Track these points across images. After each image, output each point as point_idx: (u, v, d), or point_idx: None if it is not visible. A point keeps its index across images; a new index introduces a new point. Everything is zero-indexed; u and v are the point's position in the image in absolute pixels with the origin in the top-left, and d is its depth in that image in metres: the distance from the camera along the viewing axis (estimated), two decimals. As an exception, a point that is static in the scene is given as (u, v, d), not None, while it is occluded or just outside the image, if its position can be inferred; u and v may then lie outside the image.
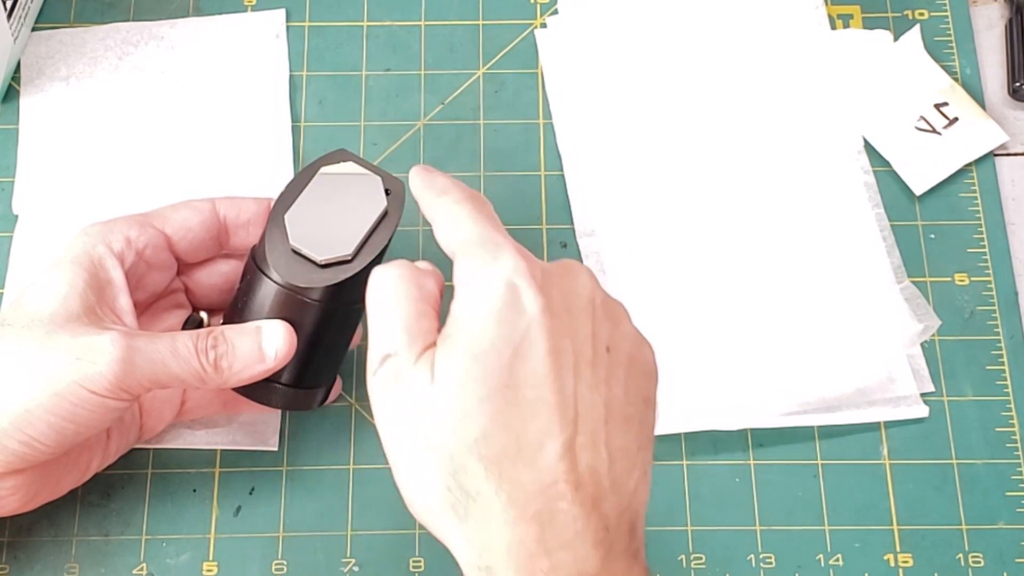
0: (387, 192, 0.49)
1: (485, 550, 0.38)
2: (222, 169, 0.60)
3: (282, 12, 0.64)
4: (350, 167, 0.49)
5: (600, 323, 0.41)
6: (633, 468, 0.39)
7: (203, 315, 0.52)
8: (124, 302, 0.47)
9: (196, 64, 0.62)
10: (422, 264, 0.44)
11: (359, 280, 0.48)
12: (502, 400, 0.38)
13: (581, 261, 0.58)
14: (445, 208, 0.43)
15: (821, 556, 0.53)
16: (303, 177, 0.49)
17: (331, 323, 0.49)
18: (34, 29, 0.63)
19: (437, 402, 0.39)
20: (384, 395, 0.40)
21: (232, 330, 0.47)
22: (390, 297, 0.41)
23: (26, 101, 0.61)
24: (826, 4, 0.64)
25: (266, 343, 0.47)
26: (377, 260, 0.48)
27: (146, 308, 0.51)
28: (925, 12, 0.64)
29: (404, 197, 0.49)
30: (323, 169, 0.49)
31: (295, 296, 0.47)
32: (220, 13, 0.64)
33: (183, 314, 0.53)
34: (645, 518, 0.40)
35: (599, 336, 0.40)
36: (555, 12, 0.64)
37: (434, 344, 0.40)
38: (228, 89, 0.62)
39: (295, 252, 0.48)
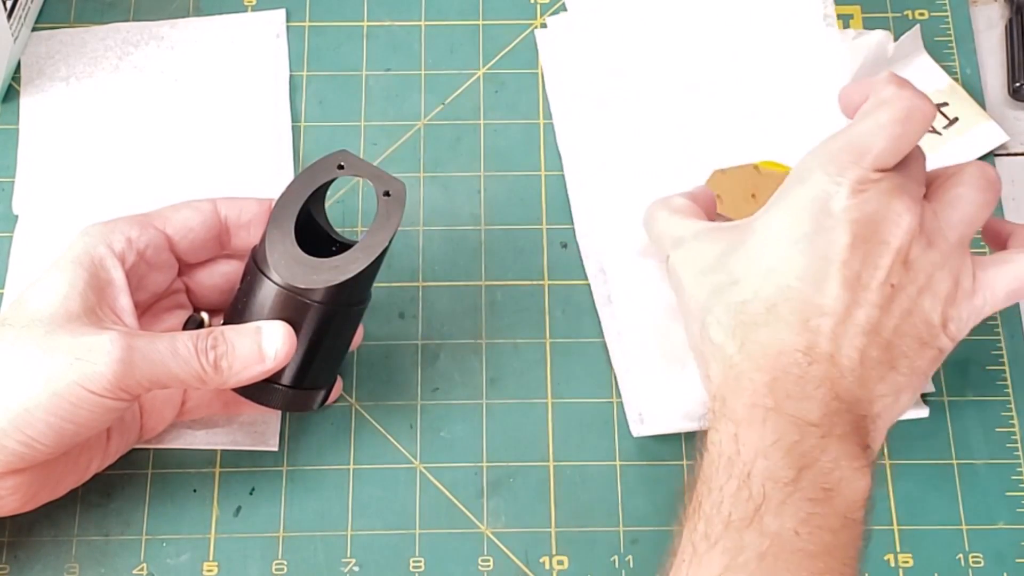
0: (387, 194, 0.49)
1: (722, 384, 0.45)
2: (222, 169, 0.60)
3: (282, 12, 0.64)
4: (352, 166, 0.50)
5: (896, 268, 0.44)
6: (882, 382, 0.44)
7: (204, 315, 0.52)
8: (124, 302, 0.48)
9: (196, 64, 0.62)
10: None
11: (359, 281, 0.48)
12: (790, 269, 0.44)
13: (581, 261, 0.58)
14: (876, 113, 0.45)
15: (821, 556, 0.53)
16: (305, 179, 0.49)
17: (331, 324, 0.49)
18: (34, 29, 0.63)
19: (734, 255, 0.47)
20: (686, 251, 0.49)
21: (232, 330, 0.47)
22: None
23: (26, 101, 0.61)
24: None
25: (266, 343, 0.47)
26: (377, 262, 0.48)
27: (147, 308, 0.51)
28: (925, 12, 0.64)
29: (404, 199, 0.49)
30: (323, 171, 0.49)
31: (295, 297, 0.47)
32: (220, 13, 0.64)
33: (184, 314, 0.53)
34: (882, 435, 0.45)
35: (892, 272, 0.44)
36: (555, 12, 0.64)
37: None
38: (228, 89, 0.62)
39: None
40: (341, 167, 0.50)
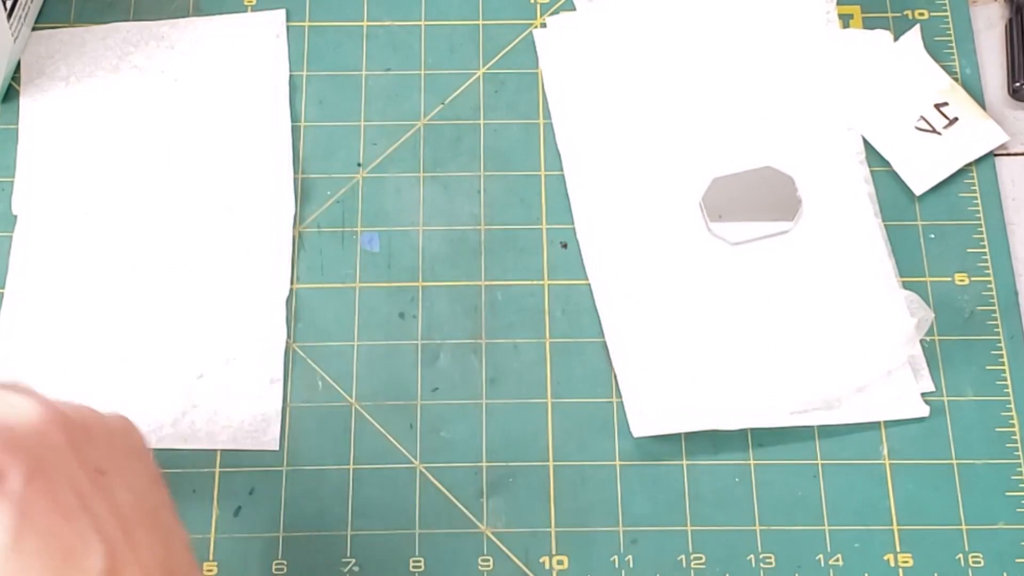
0: None
1: None
2: (222, 169, 0.60)
3: (282, 12, 0.64)
4: None
5: (80, 451, 0.38)
6: (182, 550, 0.40)
7: None
8: None
9: (196, 64, 0.62)
10: None
11: None
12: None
13: (581, 261, 0.58)
14: None
15: (821, 556, 0.53)
16: None
17: None
18: (34, 29, 0.63)
19: None
20: None
21: None
22: None
23: (26, 101, 0.61)
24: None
25: None
26: None
27: None
28: (925, 12, 0.64)
29: None
30: None
31: None
32: (220, 13, 0.64)
33: None
34: None
35: (86, 463, 0.38)
36: (555, 12, 0.64)
37: None
38: (228, 89, 0.62)
39: None
40: None
